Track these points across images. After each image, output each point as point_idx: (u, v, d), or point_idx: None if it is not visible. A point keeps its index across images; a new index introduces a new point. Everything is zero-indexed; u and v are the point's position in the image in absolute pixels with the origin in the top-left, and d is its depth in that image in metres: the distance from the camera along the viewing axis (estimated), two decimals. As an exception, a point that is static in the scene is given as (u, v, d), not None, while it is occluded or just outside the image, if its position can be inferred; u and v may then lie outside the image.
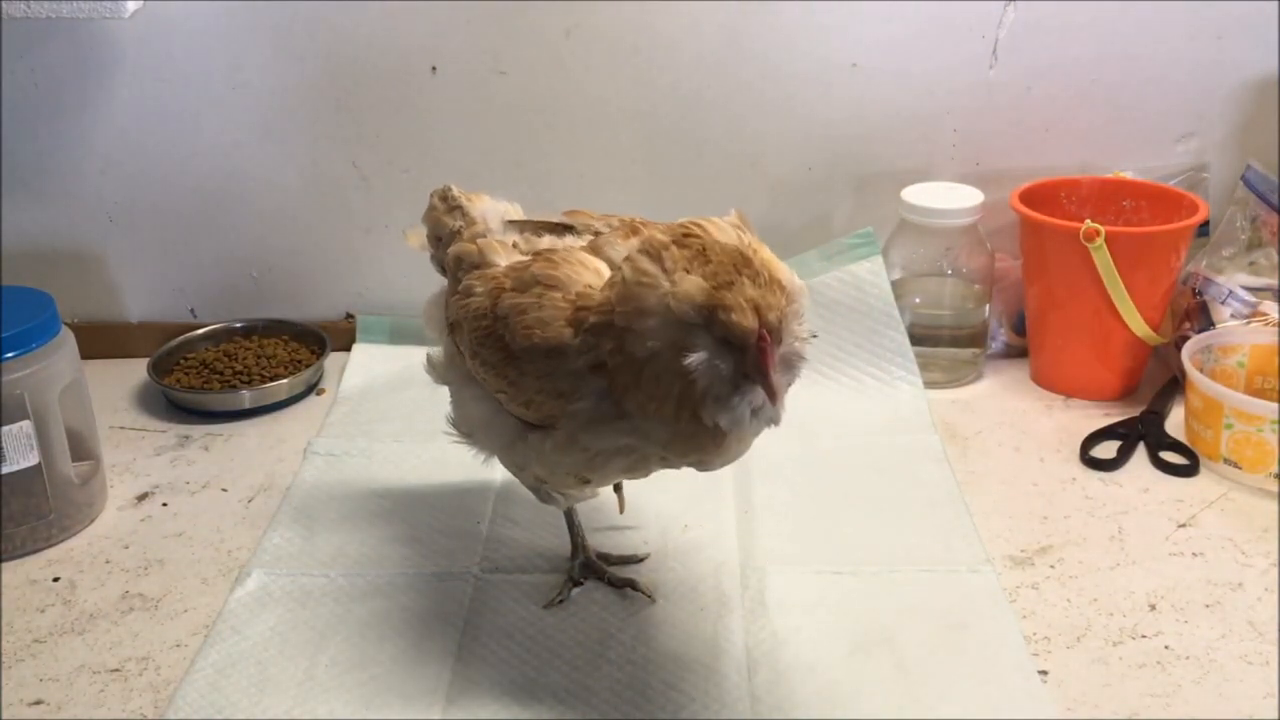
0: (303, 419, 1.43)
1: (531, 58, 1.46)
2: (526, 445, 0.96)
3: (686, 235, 0.85)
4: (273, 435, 1.40)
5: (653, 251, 0.85)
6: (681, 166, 1.51)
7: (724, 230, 0.86)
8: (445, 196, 1.10)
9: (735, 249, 0.84)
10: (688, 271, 0.82)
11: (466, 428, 1.06)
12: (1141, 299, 1.35)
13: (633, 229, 0.96)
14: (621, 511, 1.17)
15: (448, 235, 1.07)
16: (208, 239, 1.55)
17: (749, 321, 0.80)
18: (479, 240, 1.01)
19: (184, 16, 1.43)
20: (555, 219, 1.03)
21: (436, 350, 1.10)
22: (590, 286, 0.90)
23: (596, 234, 0.99)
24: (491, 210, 1.07)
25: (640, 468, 0.95)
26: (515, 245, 1.01)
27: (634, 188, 1.52)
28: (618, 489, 1.17)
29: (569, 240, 1.00)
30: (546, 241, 1.01)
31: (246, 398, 1.44)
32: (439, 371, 1.09)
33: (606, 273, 0.92)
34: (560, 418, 0.91)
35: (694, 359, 0.82)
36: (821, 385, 1.42)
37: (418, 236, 1.13)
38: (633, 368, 0.85)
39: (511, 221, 1.05)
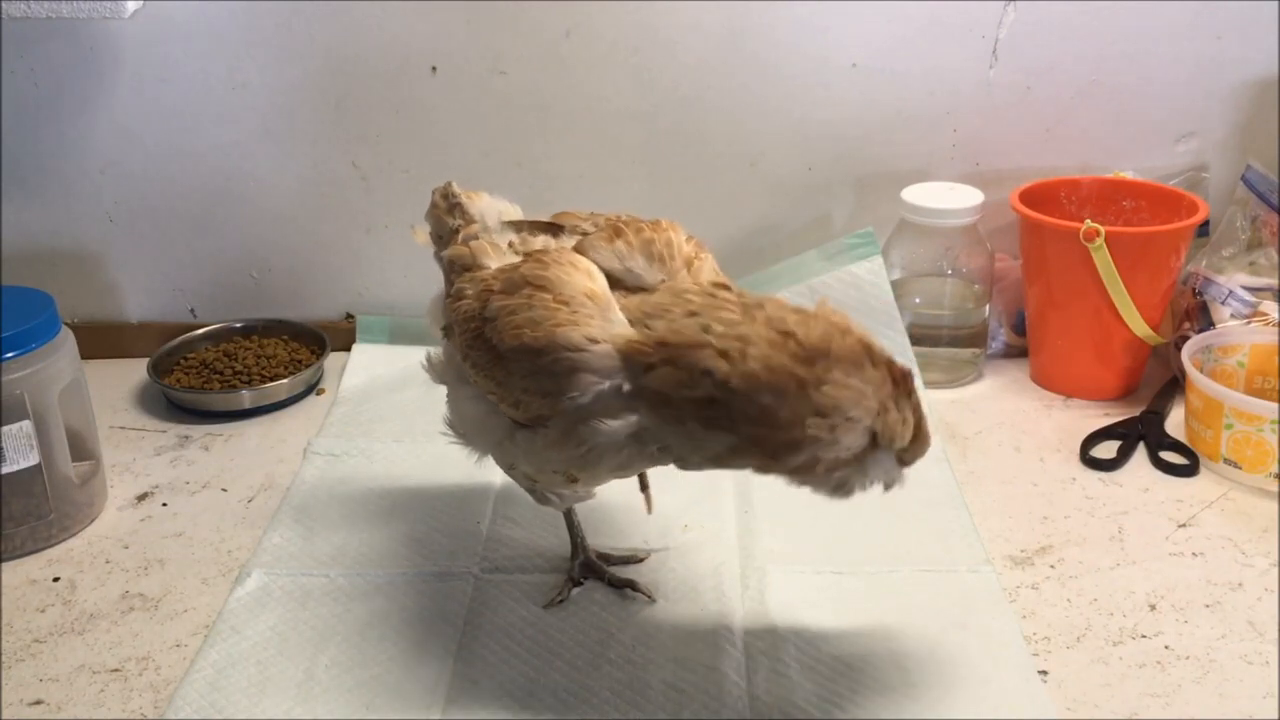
0: (303, 419, 1.43)
1: (531, 58, 1.46)
2: (514, 444, 0.96)
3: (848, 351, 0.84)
4: (273, 435, 1.40)
5: (857, 363, 0.83)
6: (681, 166, 1.51)
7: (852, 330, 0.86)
8: (446, 194, 1.10)
9: (901, 375, 0.85)
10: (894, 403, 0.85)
11: (461, 427, 1.06)
12: (1141, 299, 1.35)
13: (615, 230, 0.96)
14: (650, 511, 1.16)
15: (448, 234, 1.08)
16: (208, 239, 1.55)
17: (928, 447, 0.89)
18: (471, 243, 1.01)
19: (184, 16, 1.43)
20: (547, 220, 1.04)
21: (436, 350, 1.10)
22: (589, 294, 0.89)
23: (584, 234, 1.00)
24: (490, 209, 1.07)
25: (632, 465, 0.95)
26: (511, 245, 1.01)
27: (634, 188, 1.52)
28: (644, 487, 1.17)
29: (562, 241, 1.00)
30: (540, 242, 1.01)
31: (246, 398, 1.44)
32: (437, 371, 1.10)
33: (597, 274, 0.92)
34: (550, 416, 0.91)
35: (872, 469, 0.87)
36: (821, 385, 1.42)
37: (424, 234, 1.14)
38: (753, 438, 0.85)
39: (508, 222, 1.05)
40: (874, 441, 0.85)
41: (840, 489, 0.88)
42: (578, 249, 0.96)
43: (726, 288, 0.90)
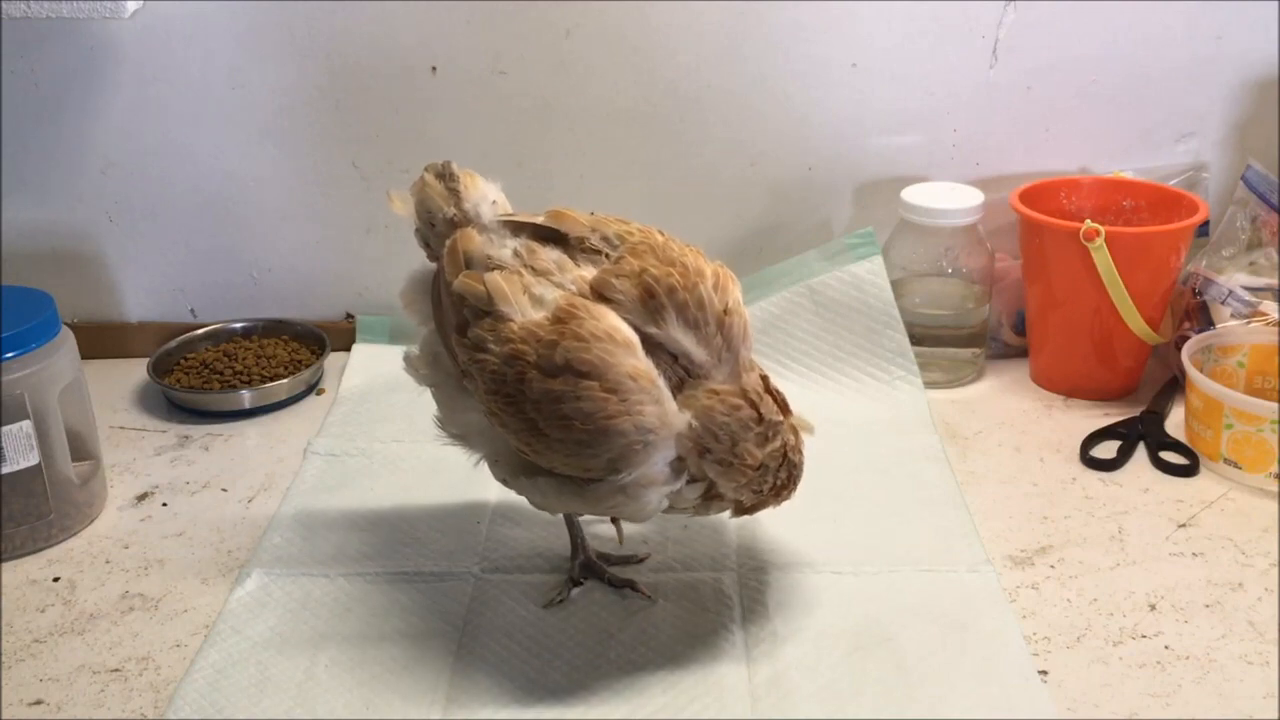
0: (303, 419, 1.43)
1: (531, 58, 1.46)
2: (532, 482, 0.98)
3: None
4: (273, 435, 1.40)
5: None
6: (681, 166, 1.51)
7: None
8: (443, 174, 1.05)
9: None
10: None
11: (459, 430, 1.05)
12: (1141, 299, 1.35)
13: (647, 291, 0.92)
14: (620, 544, 1.15)
15: (442, 222, 1.03)
16: (208, 239, 1.55)
17: None
18: (487, 278, 0.95)
19: (184, 16, 1.43)
20: (540, 220, 1.00)
21: (414, 349, 1.09)
22: (633, 374, 0.89)
23: (594, 251, 0.97)
24: (483, 198, 1.03)
25: (615, 512, 1.00)
26: (517, 255, 0.97)
27: (634, 188, 1.52)
28: (615, 520, 1.15)
29: (578, 265, 0.96)
30: (554, 260, 0.96)
31: (246, 398, 1.44)
32: (420, 371, 1.08)
33: (635, 343, 0.91)
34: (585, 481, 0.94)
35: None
36: (821, 385, 1.42)
37: (405, 205, 1.08)
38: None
39: (505, 222, 1.01)
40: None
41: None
42: (598, 288, 0.93)
43: (756, 394, 0.95)
